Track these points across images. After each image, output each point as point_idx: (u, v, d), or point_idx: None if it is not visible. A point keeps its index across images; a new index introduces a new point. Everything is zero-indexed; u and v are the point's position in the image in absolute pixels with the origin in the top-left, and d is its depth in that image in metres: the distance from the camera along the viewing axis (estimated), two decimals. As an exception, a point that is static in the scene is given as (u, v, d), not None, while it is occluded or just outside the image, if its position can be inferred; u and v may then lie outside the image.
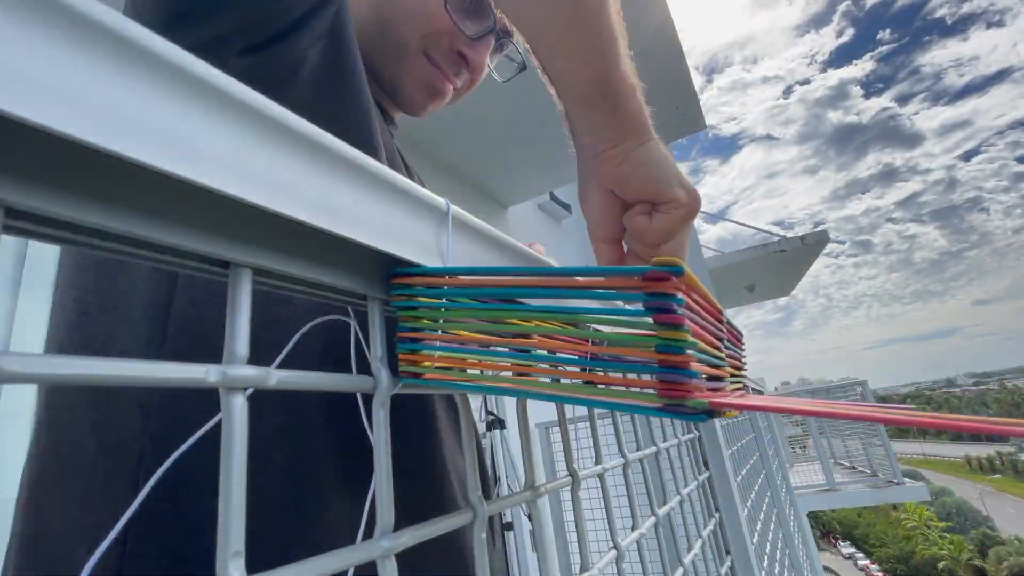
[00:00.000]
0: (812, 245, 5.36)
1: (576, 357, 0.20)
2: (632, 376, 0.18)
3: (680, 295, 0.16)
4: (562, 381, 0.21)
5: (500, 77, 0.67)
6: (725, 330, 0.26)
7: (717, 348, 0.22)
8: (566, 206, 4.50)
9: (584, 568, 0.29)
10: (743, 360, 0.32)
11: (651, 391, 0.17)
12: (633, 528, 0.38)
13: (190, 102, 0.12)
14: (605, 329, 0.18)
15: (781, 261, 5.67)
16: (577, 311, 0.18)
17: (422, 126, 2.67)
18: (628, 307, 0.18)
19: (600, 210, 0.44)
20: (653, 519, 0.40)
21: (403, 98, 0.60)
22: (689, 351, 0.17)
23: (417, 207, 0.20)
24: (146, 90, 0.12)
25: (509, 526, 2.51)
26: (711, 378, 0.20)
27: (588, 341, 0.20)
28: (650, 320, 0.16)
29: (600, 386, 0.20)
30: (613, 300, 0.17)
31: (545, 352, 0.21)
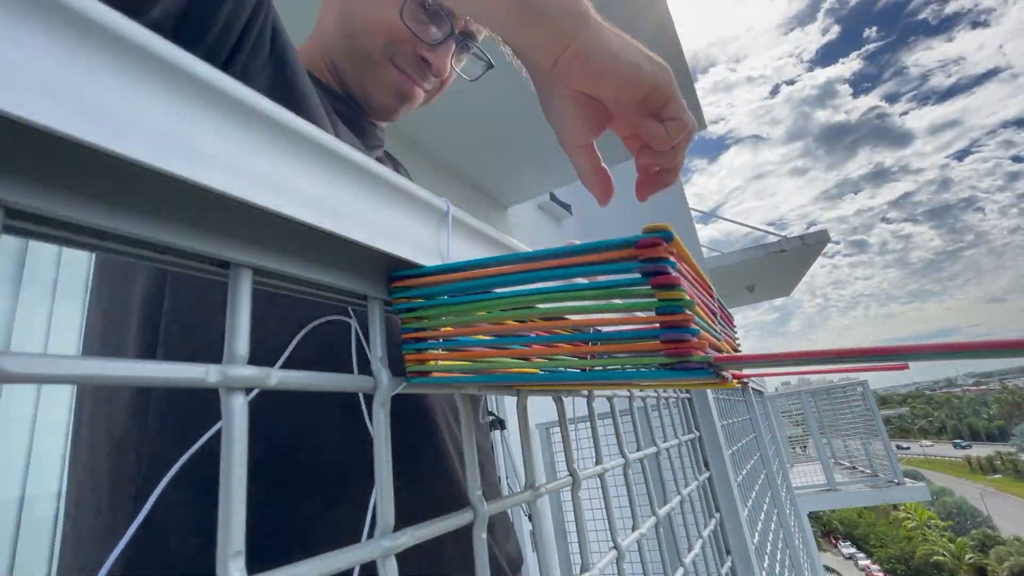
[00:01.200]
0: (812, 245, 5.35)
1: (578, 334, 0.21)
2: (635, 343, 0.19)
3: (672, 259, 0.17)
4: (565, 361, 0.21)
5: (469, 77, 0.69)
6: (717, 305, 0.26)
7: (711, 320, 0.22)
8: (566, 206, 4.50)
9: (584, 568, 0.29)
10: (736, 341, 0.32)
11: (656, 352, 0.18)
12: (633, 528, 0.38)
13: (190, 102, 0.12)
14: (602, 303, 0.19)
15: (781, 261, 5.67)
16: (573, 288, 0.18)
17: (422, 126, 2.67)
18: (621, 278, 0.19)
19: (571, 116, 0.43)
20: (653, 519, 0.40)
21: (375, 105, 0.62)
22: (688, 310, 0.17)
23: (417, 207, 0.20)
24: (146, 90, 0.12)
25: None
26: (710, 346, 0.21)
27: (589, 319, 0.20)
28: (647, 286, 0.17)
29: (604, 355, 0.20)
30: (609, 274, 0.18)
31: (547, 334, 0.21)
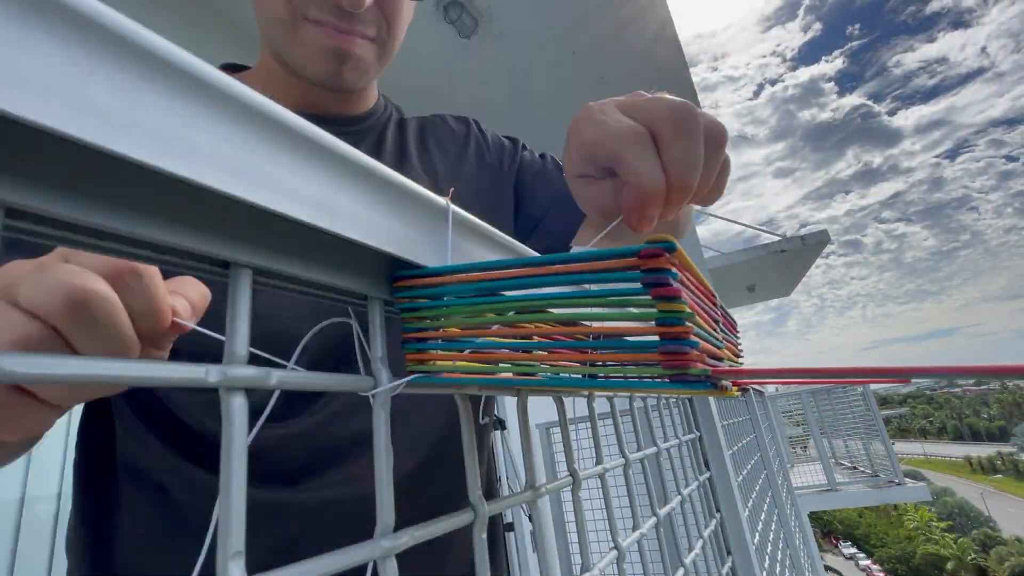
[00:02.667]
0: (812, 245, 5.36)
1: (578, 341, 0.21)
2: (635, 353, 0.19)
3: (674, 270, 0.17)
4: (565, 367, 0.21)
5: None
6: (719, 313, 0.26)
7: (713, 328, 0.22)
8: (566, 206, 4.49)
9: (585, 568, 0.29)
10: (739, 347, 0.32)
11: (654, 363, 0.18)
12: (634, 528, 0.37)
13: (189, 102, 0.12)
14: (604, 311, 0.19)
15: (781, 261, 5.68)
16: (576, 295, 0.18)
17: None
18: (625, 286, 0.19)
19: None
20: (654, 519, 0.40)
21: (314, 77, 0.51)
22: (687, 322, 0.17)
23: (417, 207, 0.20)
24: (146, 89, 0.12)
25: (510, 527, 2.51)
26: (711, 356, 0.21)
27: (589, 325, 0.20)
28: (648, 297, 0.17)
29: (601, 364, 0.20)
30: (610, 282, 0.18)
31: (549, 339, 0.22)
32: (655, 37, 2.33)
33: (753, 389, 1.44)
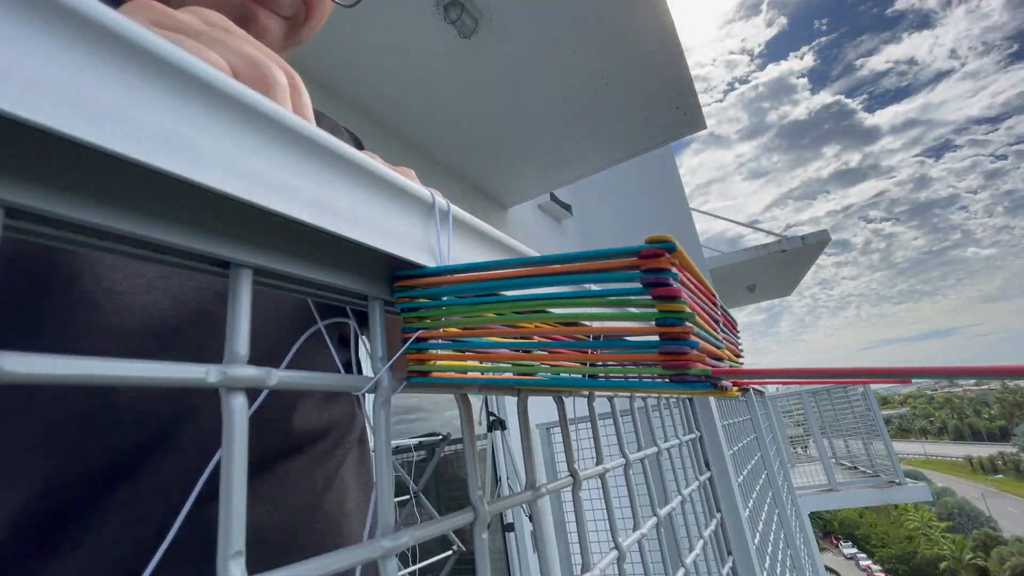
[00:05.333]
0: (812, 245, 5.36)
1: (578, 341, 0.21)
2: (635, 352, 0.19)
3: (674, 270, 0.16)
4: (565, 367, 0.21)
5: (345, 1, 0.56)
6: (719, 312, 0.26)
7: (713, 328, 0.22)
8: (567, 206, 4.50)
9: (585, 568, 0.29)
10: (739, 347, 0.32)
11: (654, 363, 0.18)
12: (634, 528, 0.37)
13: (190, 102, 0.12)
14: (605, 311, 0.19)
15: (782, 261, 5.68)
16: (576, 295, 0.18)
17: (423, 127, 2.68)
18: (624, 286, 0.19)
19: None
20: (654, 519, 0.40)
21: None
22: (687, 322, 0.17)
23: (417, 207, 0.20)
24: (146, 89, 0.12)
25: (510, 527, 2.51)
26: (711, 356, 0.21)
27: (589, 325, 0.20)
28: (648, 297, 0.17)
29: (602, 364, 0.20)
30: (610, 281, 0.18)
31: (549, 339, 0.22)
32: (655, 37, 2.33)
33: (753, 389, 1.44)
